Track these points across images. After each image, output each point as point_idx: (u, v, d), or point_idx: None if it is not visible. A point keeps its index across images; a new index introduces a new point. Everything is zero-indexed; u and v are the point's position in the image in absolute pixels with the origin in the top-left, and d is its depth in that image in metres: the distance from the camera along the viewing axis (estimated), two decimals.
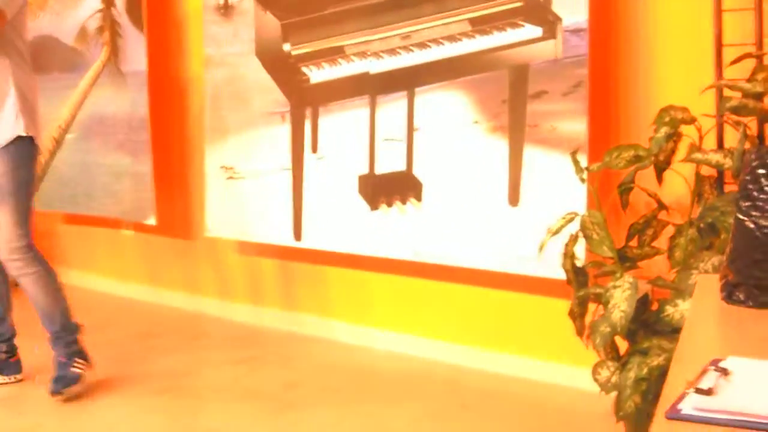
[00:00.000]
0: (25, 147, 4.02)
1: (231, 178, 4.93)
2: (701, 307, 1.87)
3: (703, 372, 1.34)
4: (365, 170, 4.40)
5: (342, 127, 4.44)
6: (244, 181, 4.88)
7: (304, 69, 4.48)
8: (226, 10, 4.87)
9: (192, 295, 5.43)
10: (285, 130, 4.66)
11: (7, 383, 4.24)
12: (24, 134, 3.99)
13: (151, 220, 5.41)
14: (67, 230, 6.13)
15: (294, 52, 4.50)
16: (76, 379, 4.04)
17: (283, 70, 4.60)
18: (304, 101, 4.56)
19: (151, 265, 5.71)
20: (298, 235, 4.67)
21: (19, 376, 4.28)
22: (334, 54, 4.39)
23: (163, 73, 5.36)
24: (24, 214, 4.00)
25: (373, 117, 4.34)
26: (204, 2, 4.97)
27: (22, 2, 4.04)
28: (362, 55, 4.31)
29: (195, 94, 5.18)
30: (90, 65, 5.68)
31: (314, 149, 4.56)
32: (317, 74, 4.45)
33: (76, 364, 4.06)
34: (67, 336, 4.08)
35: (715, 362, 1.38)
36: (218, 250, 5.23)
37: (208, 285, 5.36)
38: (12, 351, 4.31)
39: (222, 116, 4.95)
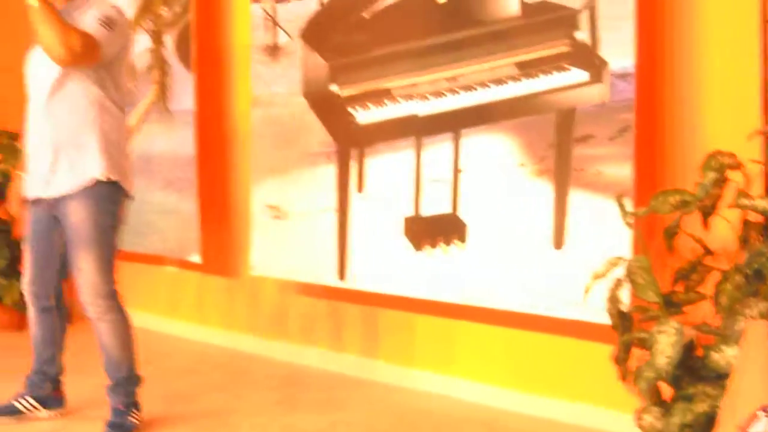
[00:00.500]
0: (105, 191, 3.95)
1: (276, 217, 4.97)
2: (749, 353, 1.87)
3: (753, 417, 1.34)
4: (410, 211, 4.41)
5: (388, 167, 4.47)
6: (289, 221, 4.91)
7: (351, 110, 4.52)
8: (274, 50, 4.92)
9: (235, 333, 5.44)
10: (331, 170, 4.69)
11: (49, 418, 4.24)
12: (102, 179, 3.92)
13: (196, 258, 5.44)
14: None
15: (341, 93, 4.55)
16: (131, 429, 4.02)
17: (329, 110, 4.64)
18: (351, 142, 4.59)
19: (195, 303, 5.74)
20: (342, 275, 4.69)
21: (61, 410, 4.27)
22: (381, 95, 4.42)
23: (211, 112, 5.41)
24: (107, 261, 3.97)
25: (419, 158, 4.36)
26: (252, 43, 5.03)
27: (123, 44, 4.02)
28: (409, 96, 4.34)
29: (242, 133, 5.22)
30: (139, 103, 5.76)
31: (360, 189, 4.59)
32: (364, 115, 4.48)
33: (133, 415, 4.05)
34: (128, 386, 4.06)
35: (765, 408, 1.38)
36: (262, 288, 5.25)
37: (251, 323, 5.38)
38: (57, 386, 4.30)
39: (268, 155, 4.99)
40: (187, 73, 5.42)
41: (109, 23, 3.88)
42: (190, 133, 5.41)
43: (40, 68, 3.95)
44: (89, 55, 3.83)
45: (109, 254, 3.98)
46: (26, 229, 4.15)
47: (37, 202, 4.05)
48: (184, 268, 5.65)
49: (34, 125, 4.04)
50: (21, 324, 5.51)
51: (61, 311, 4.24)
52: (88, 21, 3.86)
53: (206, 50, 5.40)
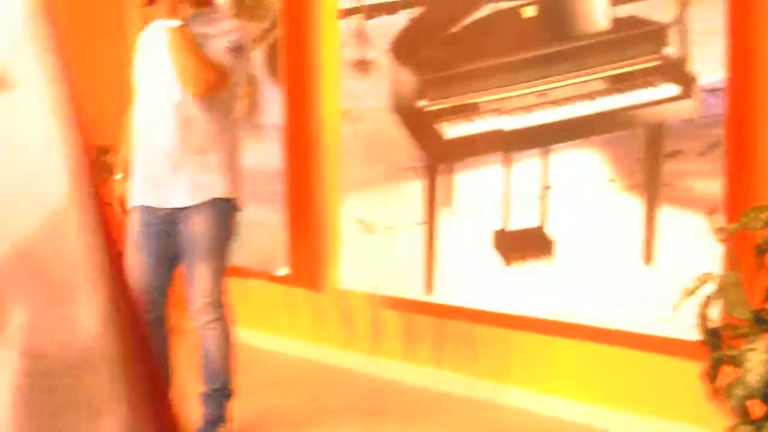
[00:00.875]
0: (224, 206, 4.08)
1: (365, 231, 5.00)
2: None
3: None
4: (498, 226, 4.42)
5: (476, 182, 4.48)
6: (377, 235, 4.94)
7: (439, 125, 4.54)
8: (363, 65, 4.97)
9: (322, 346, 5.48)
10: (419, 185, 4.72)
11: None
12: (223, 197, 4.06)
13: (284, 271, 5.50)
14: None
15: (429, 108, 4.58)
16: None
17: (418, 125, 4.67)
18: (439, 156, 4.62)
19: (283, 316, 5.80)
20: (430, 289, 4.71)
21: None
22: (470, 110, 4.44)
23: (300, 126, 5.47)
24: (220, 272, 4.10)
25: (508, 173, 4.37)
26: (341, 57, 5.08)
27: (244, 70, 4.15)
28: (497, 112, 4.35)
29: (330, 147, 5.27)
30: None
31: (448, 204, 4.61)
32: (452, 130, 4.51)
33: (222, 427, 4.13)
34: (222, 397, 4.14)
35: None
36: (350, 302, 5.29)
37: (339, 337, 5.41)
38: None
39: (357, 170, 5.03)
40: (276, 87, 5.49)
41: (237, 50, 3.99)
42: (279, 147, 5.48)
43: (163, 79, 4.02)
44: (219, 86, 3.97)
45: (223, 266, 4.12)
46: (131, 234, 4.17)
47: (148, 209, 4.11)
48: (272, 281, 5.71)
49: (150, 133, 4.09)
50: None
51: (163, 324, 4.22)
52: (218, 47, 3.95)
53: (295, 65, 5.46)
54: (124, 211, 4.25)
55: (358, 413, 4.51)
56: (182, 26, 3.87)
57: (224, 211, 4.07)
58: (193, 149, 4.01)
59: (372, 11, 4.85)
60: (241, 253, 5.75)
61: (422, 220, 4.71)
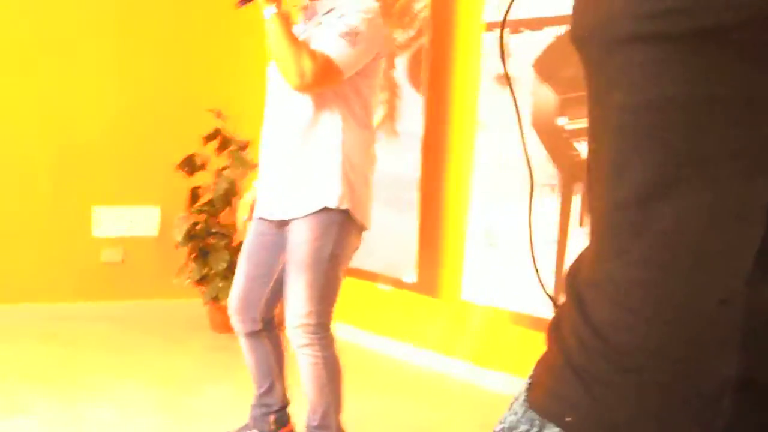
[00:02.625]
0: (334, 218, 3.63)
1: (493, 244, 4.99)
2: None
3: None
4: None
5: None
6: (505, 249, 4.92)
7: (577, 144, 4.50)
8: (504, 79, 4.95)
9: (442, 355, 5.49)
10: (553, 202, 4.68)
11: None
12: (332, 207, 3.61)
13: (411, 278, 5.52)
14: None
15: (568, 127, 4.54)
16: None
17: (555, 142, 4.64)
18: (575, 175, 4.57)
19: (406, 322, 5.82)
20: (557, 307, 4.66)
21: None
22: None
23: (438, 136, 5.49)
24: (319, 290, 3.63)
25: None
26: (483, 70, 5.07)
27: (372, 54, 3.66)
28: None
29: (466, 159, 5.27)
30: None
31: (581, 223, 4.56)
32: None
33: None
34: None
35: None
36: (472, 313, 5.28)
37: (459, 347, 5.41)
38: (282, 421, 3.95)
39: (490, 183, 5.02)
40: (417, 96, 5.52)
41: (352, 36, 3.55)
42: (416, 155, 5.50)
43: (284, 88, 3.67)
44: (325, 80, 3.54)
45: (323, 284, 3.64)
46: (246, 241, 3.91)
47: (263, 220, 3.82)
48: (398, 287, 5.74)
49: (271, 141, 3.79)
50: None
51: (273, 340, 3.91)
52: (329, 36, 3.56)
53: (438, 75, 5.48)
54: (250, 218, 3.96)
55: (476, 425, 4.49)
56: (276, 14, 3.50)
57: (333, 223, 3.62)
58: (310, 156, 3.64)
59: (518, 26, 4.84)
60: (371, 258, 5.81)
61: (554, 238, 4.67)
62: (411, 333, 5.75)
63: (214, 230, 6.19)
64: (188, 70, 6.80)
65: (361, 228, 3.73)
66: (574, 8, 1.08)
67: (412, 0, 5.55)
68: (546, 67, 4.73)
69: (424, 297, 5.60)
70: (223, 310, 5.94)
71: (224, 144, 6.20)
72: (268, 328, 3.87)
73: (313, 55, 3.48)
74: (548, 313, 4.68)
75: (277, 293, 3.82)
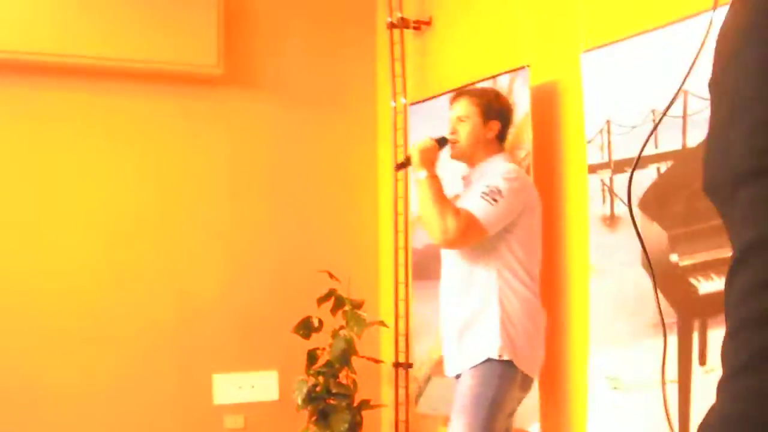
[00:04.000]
0: (494, 368, 3.92)
1: (615, 388, 4.88)
2: None
3: None
4: None
5: None
6: (627, 392, 4.81)
7: (692, 280, 4.42)
8: (611, 220, 4.92)
9: None
10: (672, 341, 4.57)
11: None
12: (495, 357, 3.90)
13: (535, 428, 5.41)
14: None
15: (681, 263, 4.46)
16: None
17: (669, 280, 4.56)
18: (692, 312, 4.47)
19: None
20: None
21: None
22: (723, 265, 4.30)
23: (549, 282, 5.42)
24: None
25: None
26: (591, 212, 5.05)
27: (516, 212, 4.01)
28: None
29: (581, 303, 5.20)
30: None
31: (702, 362, 4.44)
32: (706, 285, 4.37)
33: None
34: None
35: None
36: None
37: None
38: None
39: (606, 326, 4.94)
40: None
41: (493, 196, 3.89)
42: None
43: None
44: (469, 237, 3.84)
45: (481, 427, 3.88)
46: None
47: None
48: None
49: (445, 303, 4.13)
50: None
51: None
52: (473, 196, 3.91)
53: (544, 220, 5.46)
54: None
55: None
56: (431, 177, 3.85)
57: (494, 372, 3.89)
58: (473, 311, 3.92)
59: (620, 166, 4.82)
60: None
61: (675, 378, 4.54)
62: None
63: (334, 391, 6.18)
64: (299, 231, 6.92)
65: (526, 378, 4.01)
66: (704, 161, 1.09)
67: (515, 148, 5.59)
68: (652, 204, 4.69)
69: None
70: None
71: (338, 304, 6.25)
72: None
73: (457, 212, 3.83)
74: None
75: None
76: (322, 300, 6.24)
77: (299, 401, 6.18)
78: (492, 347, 3.89)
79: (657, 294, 3.96)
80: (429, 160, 3.98)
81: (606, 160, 4.92)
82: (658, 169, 4.65)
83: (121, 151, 6.63)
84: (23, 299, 6.33)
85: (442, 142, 4.14)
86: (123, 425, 6.47)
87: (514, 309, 3.98)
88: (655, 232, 4.64)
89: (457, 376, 4.06)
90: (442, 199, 3.85)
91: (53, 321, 6.40)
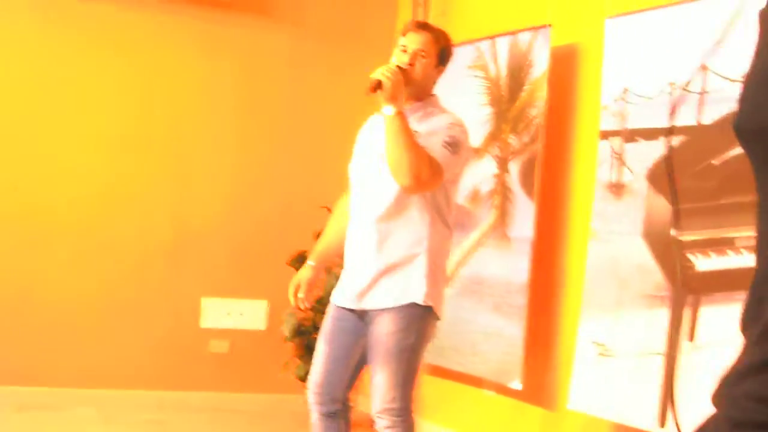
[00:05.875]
0: (419, 312, 3.91)
1: (601, 354, 4.91)
2: None
3: None
4: None
5: (724, 318, 4.33)
6: (613, 359, 4.84)
7: (690, 256, 4.44)
8: (617, 188, 4.93)
9: None
10: (662, 314, 4.60)
11: None
12: (421, 303, 3.90)
13: (516, 384, 5.46)
14: (430, 381, 6.31)
15: (681, 238, 4.48)
16: None
17: (667, 254, 4.57)
18: (687, 288, 4.49)
19: (507, 429, 5.74)
20: (662, 422, 4.56)
21: None
22: (723, 244, 4.32)
23: (548, 243, 5.46)
24: (404, 377, 3.91)
25: None
26: (597, 178, 5.05)
27: (462, 167, 4.03)
28: (754, 249, 4.20)
29: (577, 267, 5.23)
30: (478, 226, 5.90)
31: (691, 337, 4.47)
32: (703, 263, 4.39)
33: None
34: None
35: None
36: (577, 424, 5.18)
37: None
38: None
39: (600, 293, 4.96)
40: (529, 201, 5.51)
41: (454, 145, 3.86)
42: (525, 261, 5.47)
43: (373, 173, 3.96)
44: (432, 183, 3.82)
45: (407, 372, 3.92)
46: (324, 324, 4.14)
47: (343, 307, 4.07)
48: (502, 394, 5.68)
49: (356, 229, 4.04)
50: None
51: (346, 420, 4.16)
52: (434, 143, 3.83)
53: (551, 182, 5.48)
54: (296, 296, 4.19)
55: None
56: (400, 113, 3.75)
57: (418, 317, 3.91)
58: (396, 251, 3.90)
59: (632, 135, 4.82)
60: (476, 362, 5.77)
61: (662, 351, 4.58)
62: None
63: None
64: (303, 166, 6.92)
65: (437, 320, 4.01)
66: (746, 100, 1.03)
67: (527, 106, 5.58)
68: (660, 177, 4.69)
69: (529, 405, 5.53)
70: None
71: None
72: (343, 410, 4.13)
73: (428, 160, 3.75)
74: (654, 426, 4.58)
75: (353, 377, 4.13)
76: (319, 235, 6.24)
77: (287, 333, 6.22)
78: (418, 292, 3.86)
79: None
80: (399, 92, 3.78)
81: (619, 127, 4.92)
82: (669, 143, 4.65)
83: (131, 68, 6.60)
84: (26, 210, 6.35)
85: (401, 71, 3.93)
86: (110, 338, 6.51)
87: (441, 257, 3.97)
88: (660, 205, 4.65)
89: (355, 314, 4.00)
90: (415, 143, 3.74)
91: (53, 230, 6.43)
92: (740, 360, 1.07)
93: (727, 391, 1.11)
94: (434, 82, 4.13)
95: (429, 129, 3.93)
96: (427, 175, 3.74)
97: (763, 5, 1.11)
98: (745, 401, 1.08)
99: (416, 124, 3.92)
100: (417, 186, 3.77)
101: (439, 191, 3.94)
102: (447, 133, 3.89)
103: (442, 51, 4.07)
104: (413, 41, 4.02)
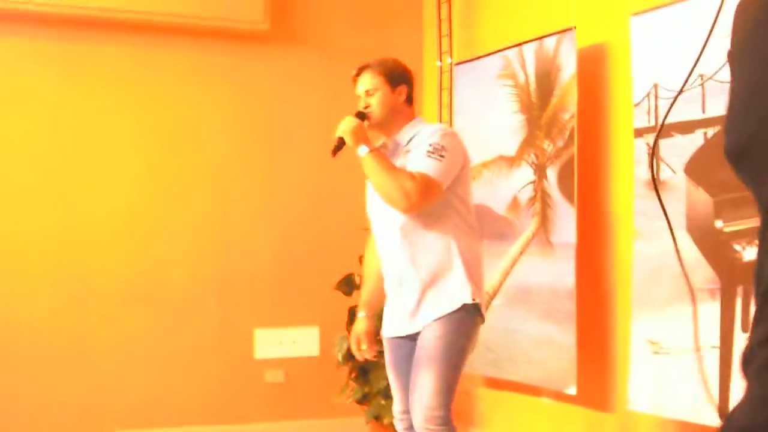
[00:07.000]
0: (468, 314, 4.01)
1: (656, 352, 4.88)
2: None
3: None
4: None
5: None
6: (669, 356, 4.81)
7: (737, 246, 4.40)
8: (656, 185, 4.90)
9: None
10: (714, 308, 4.56)
11: None
12: (470, 301, 4.00)
13: (572, 390, 5.44)
14: (486, 394, 6.30)
15: (726, 229, 4.45)
16: None
17: (713, 246, 4.54)
18: (736, 279, 4.46)
19: None
20: (722, 416, 4.52)
21: None
22: None
23: (592, 245, 5.44)
24: (449, 383, 3.96)
25: None
26: (635, 177, 5.03)
27: (460, 163, 4.09)
28: None
29: (624, 267, 5.20)
30: (520, 234, 5.89)
31: (744, 328, 4.43)
32: (750, 252, 4.36)
33: None
34: None
35: None
36: (638, 424, 5.15)
37: None
38: None
39: (649, 290, 4.93)
40: (569, 206, 5.49)
41: (438, 153, 3.95)
42: (571, 266, 5.45)
43: (385, 210, 4.08)
44: (430, 196, 3.91)
45: (452, 376, 3.97)
46: (387, 360, 4.26)
47: (396, 338, 4.18)
48: (559, 400, 5.65)
49: (388, 264, 4.16)
50: None
51: None
52: (417, 157, 3.97)
53: (589, 184, 5.46)
54: (360, 349, 4.31)
55: None
56: (372, 150, 3.95)
57: (468, 319, 4.00)
58: (428, 256, 3.99)
59: (667, 130, 4.80)
60: (529, 370, 5.75)
61: (716, 344, 4.54)
62: None
63: None
64: (345, 189, 6.94)
65: (483, 321, 4.10)
66: (728, 129, 1.08)
67: (559, 110, 5.58)
68: (698, 170, 4.67)
69: (586, 409, 5.50)
70: (386, 429, 5.96)
71: None
72: None
73: (412, 176, 3.87)
74: (715, 421, 4.54)
75: None
76: (362, 258, 6.25)
77: (339, 358, 6.23)
78: (465, 293, 3.97)
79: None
80: (362, 135, 4.08)
81: (652, 124, 4.89)
82: (705, 134, 4.63)
83: (165, 106, 6.66)
84: (68, 254, 6.42)
85: (361, 117, 4.23)
86: (164, 376, 6.56)
87: (474, 258, 4.09)
88: (701, 198, 4.62)
89: (409, 338, 4.11)
90: (392, 167, 3.93)
91: (99, 274, 6.48)
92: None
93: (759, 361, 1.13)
94: (405, 104, 4.31)
95: (414, 146, 4.08)
96: (417, 191, 3.85)
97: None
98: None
99: (407, 148, 4.11)
100: (413, 205, 3.88)
101: (450, 196, 4.03)
102: (428, 142, 3.99)
103: (388, 75, 4.25)
104: (360, 86, 4.27)
